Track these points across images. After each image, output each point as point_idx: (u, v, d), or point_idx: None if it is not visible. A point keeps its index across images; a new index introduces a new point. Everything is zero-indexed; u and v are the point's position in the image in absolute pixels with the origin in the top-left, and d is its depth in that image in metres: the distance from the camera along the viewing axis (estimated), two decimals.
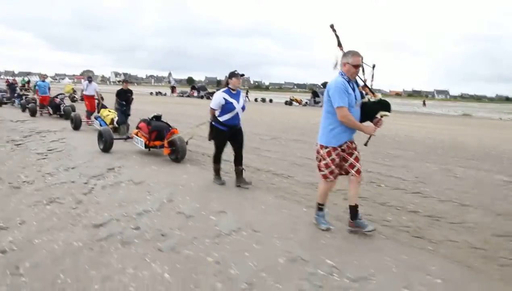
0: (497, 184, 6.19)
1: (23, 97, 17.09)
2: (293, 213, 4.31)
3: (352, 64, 3.50)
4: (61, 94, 15.03)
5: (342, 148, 3.61)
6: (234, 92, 5.24)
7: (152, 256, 3.16)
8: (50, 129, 10.42)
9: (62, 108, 13.47)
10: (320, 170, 3.72)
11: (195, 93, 45.07)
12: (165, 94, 47.95)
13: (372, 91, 3.73)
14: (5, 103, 18.36)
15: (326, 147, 3.60)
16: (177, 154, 6.77)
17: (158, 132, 7.24)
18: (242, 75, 5.32)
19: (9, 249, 3.23)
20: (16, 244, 3.32)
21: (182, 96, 46.38)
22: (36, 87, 14.68)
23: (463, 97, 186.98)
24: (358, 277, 2.88)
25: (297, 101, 37.52)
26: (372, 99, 3.68)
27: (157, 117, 7.69)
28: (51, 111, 13.81)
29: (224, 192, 5.10)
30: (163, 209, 4.32)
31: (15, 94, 18.77)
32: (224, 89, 5.27)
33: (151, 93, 45.64)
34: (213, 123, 5.28)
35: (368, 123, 3.65)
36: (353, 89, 3.56)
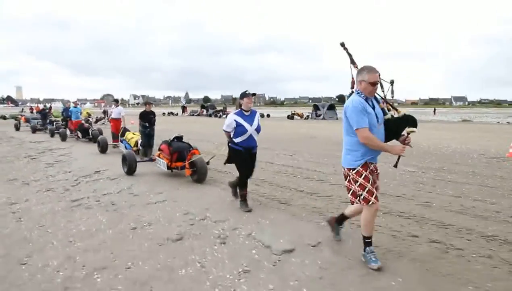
0: (401, 173, 7.87)
1: (54, 123, 18.23)
2: (208, 192, 6.26)
3: (369, 82, 3.24)
4: (102, 118, 16.27)
5: (371, 168, 3.36)
6: (247, 113, 5.11)
7: (100, 213, 5.14)
8: (60, 147, 12.74)
9: (90, 132, 14.41)
10: (356, 196, 3.35)
11: (204, 112, 47.64)
12: (176, 114, 50.73)
13: (394, 107, 3.52)
14: (39, 130, 19.25)
15: (354, 168, 3.32)
16: (198, 175, 6.89)
17: (179, 153, 7.35)
18: (254, 94, 5.21)
19: (15, 211, 5.28)
20: (21, 209, 5.37)
21: (193, 115, 49.03)
22: (69, 113, 15.66)
23: (482, 103, 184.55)
24: (218, 220, 4.78)
25: (298, 115, 39.41)
26: (396, 115, 3.44)
27: (179, 138, 7.79)
28: (80, 135, 14.81)
29: (169, 182, 7.10)
30: (121, 192, 6.33)
31: (47, 121, 19.67)
32: (237, 111, 5.17)
33: (163, 113, 48.50)
34: (229, 144, 5.22)
35: (393, 143, 3.38)
36: (373, 107, 3.31)
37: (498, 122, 35.44)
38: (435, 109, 67.62)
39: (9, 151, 12.09)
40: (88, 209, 5.34)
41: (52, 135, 16.61)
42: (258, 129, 5.19)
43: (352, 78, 3.53)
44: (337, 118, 37.16)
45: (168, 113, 51.46)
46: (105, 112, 28.91)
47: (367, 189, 3.28)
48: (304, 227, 4.47)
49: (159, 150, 7.82)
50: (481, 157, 10.50)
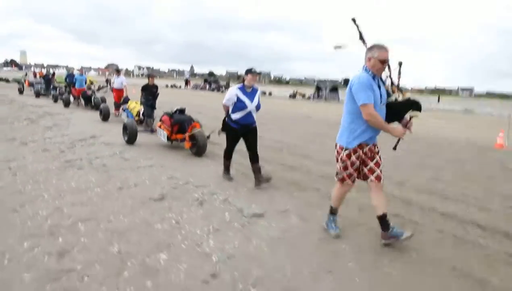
0: (386, 155, 8.22)
1: (57, 89, 18.00)
2: (195, 160, 6.60)
3: (379, 59, 3.21)
4: (105, 87, 16.25)
5: (364, 150, 3.37)
6: (249, 90, 5.10)
7: (91, 174, 5.48)
8: (60, 112, 13.04)
9: (93, 99, 14.52)
10: (337, 172, 3.52)
11: (207, 86, 47.64)
12: (179, 87, 50.76)
13: (400, 89, 3.49)
14: (43, 94, 19.33)
15: (346, 148, 3.36)
16: (198, 148, 6.90)
17: (180, 125, 7.33)
18: (259, 73, 5.21)
19: (12, 167, 5.62)
20: (17, 166, 5.71)
21: (196, 89, 49.04)
22: (74, 80, 15.71)
23: (489, 95, 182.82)
24: (200, 185, 5.12)
25: (300, 94, 39.44)
26: (400, 99, 3.42)
27: (181, 111, 7.77)
28: (83, 102, 14.95)
29: (160, 149, 7.45)
30: (113, 156, 6.66)
31: (51, 87, 19.40)
32: (239, 85, 5.14)
33: (166, 86, 48.50)
34: (226, 119, 5.26)
35: (395, 125, 3.42)
36: (379, 87, 3.28)
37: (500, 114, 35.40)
38: (439, 97, 66.92)
39: (10, 113, 12.40)
40: (80, 169, 5.67)
41: (55, 100, 16.75)
42: (258, 107, 5.21)
43: (341, 44, 3.65)
44: (338, 100, 37.25)
45: (171, 86, 51.50)
46: (107, 81, 28.90)
47: (348, 171, 3.40)
48: (277, 196, 4.81)
49: (161, 120, 7.81)
50: (469, 145, 10.76)
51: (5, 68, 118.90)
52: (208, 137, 6.99)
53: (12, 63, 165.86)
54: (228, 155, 5.39)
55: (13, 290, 2.55)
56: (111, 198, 4.45)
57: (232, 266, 2.97)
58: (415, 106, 3.34)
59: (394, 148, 3.55)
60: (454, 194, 5.40)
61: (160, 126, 7.74)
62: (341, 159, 3.42)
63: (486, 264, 3.24)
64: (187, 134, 7.04)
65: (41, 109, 13.80)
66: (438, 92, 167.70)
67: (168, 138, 7.37)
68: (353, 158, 3.36)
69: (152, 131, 8.55)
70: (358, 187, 4.00)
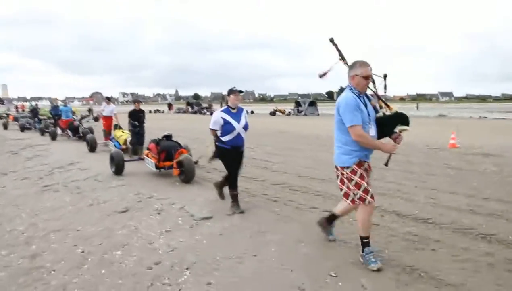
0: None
1: (42, 121, 17.79)
2: (162, 178, 7.30)
3: (362, 76, 3.22)
4: (87, 116, 16.15)
5: (365, 167, 3.32)
6: (234, 111, 4.98)
7: (66, 195, 6.13)
8: (40, 143, 13.65)
9: (80, 130, 14.27)
10: (350, 196, 3.30)
11: (190, 109, 48.51)
12: (163, 112, 51.51)
13: (386, 103, 3.46)
14: (28, 128, 19.15)
15: (348, 167, 3.27)
16: (186, 174, 6.72)
17: (167, 152, 7.25)
18: (241, 91, 5.07)
19: None
20: None
21: (179, 112, 49.83)
22: (59, 112, 15.67)
23: (468, 98, 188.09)
24: (162, 198, 5.81)
25: (280, 111, 40.55)
26: (388, 113, 3.41)
27: (168, 137, 7.71)
28: (70, 134, 14.66)
29: (131, 170, 8.13)
30: (88, 179, 7.31)
31: (36, 119, 19.26)
32: (224, 108, 5.05)
33: (150, 111, 49.17)
34: (217, 143, 5.10)
35: (385, 140, 3.37)
36: (365, 105, 3.27)
37: (470, 117, 36.98)
38: (417, 105, 69.62)
39: None
40: (56, 192, 6.34)
41: (42, 134, 16.43)
42: (245, 127, 5.06)
43: (327, 71, 3.56)
44: (318, 114, 38.45)
45: (155, 110, 52.21)
46: (90, 110, 29.31)
47: (363, 187, 3.22)
48: (228, 202, 5.52)
49: (148, 149, 7.79)
50: (425, 147, 11.69)
51: None
52: (196, 163, 6.92)
53: None
54: (233, 182, 5.04)
55: None
56: (81, 213, 5.13)
57: (173, 255, 3.68)
58: (403, 119, 3.33)
59: (386, 164, 3.45)
60: (388, 189, 6.19)
61: (147, 155, 7.71)
62: (347, 179, 3.29)
63: (385, 241, 4.00)
64: (174, 161, 6.93)
65: (23, 142, 14.37)
66: (419, 99, 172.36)
67: (156, 166, 7.28)
68: (360, 171, 3.25)
69: (140, 159, 8.38)
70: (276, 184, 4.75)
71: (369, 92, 3.46)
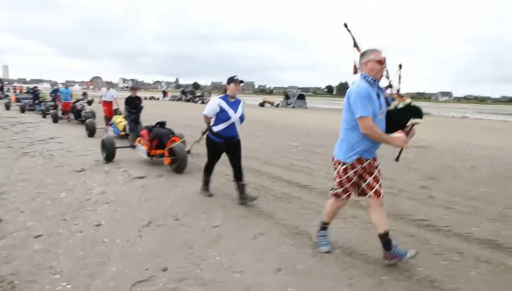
0: (284, 145, 10.48)
1: (43, 103, 18.07)
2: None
3: (375, 60, 3.11)
4: (80, 100, 15.93)
5: (363, 165, 3.24)
6: (232, 100, 4.92)
7: (39, 159, 7.60)
8: (31, 121, 15.12)
9: (83, 114, 14.36)
10: (333, 187, 3.43)
11: (184, 97, 49.86)
12: (158, 99, 52.85)
13: (400, 94, 3.29)
14: (29, 110, 19.42)
15: (344, 163, 3.24)
16: (177, 163, 6.59)
17: (159, 140, 7.18)
18: (241, 82, 4.94)
19: None
20: None
21: (174, 99, 51.19)
22: (59, 94, 15.76)
23: (467, 99, 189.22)
24: (115, 163, 7.29)
25: (269, 103, 41.90)
26: (400, 106, 3.22)
27: (161, 124, 7.64)
28: (72, 117, 14.84)
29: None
30: (61, 150, 8.79)
31: (36, 101, 19.72)
32: (222, 95, 4.96)
33: (145, 98, 50.55)
34: (207, 134, 5.04)
35: (396, 134, 3.27)
36: (378, 96, 3.14)
37: (452, 116, 38.39)
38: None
39: None
40: (32, 157, 7.80)
41: (44, 116, 16.55)
42: (242, 118, 4.99)
43: (355, 64, 3.29)
44: (306, 108, 39.81)
45: (150, 97, 53.56)
46: (84, 94, 30.60)
47: (343, 188, 3.31)
48: (168, 169, 6.99)
49: (140, 135, 7.77)
50: None
51: None
52: (189, 152, 6.87)
53: None
54: (208, 170, 5.27)
55: None
56: (47, 171, 6.60)
57: (101, 196, 5.16)
58: (416, 112, 3.17)
59: (397, 159, 3.41)
60: (307, 168, 7.65)
61: (139, 142, 7.70)
62: (337, 173, 3.31)
63: (273, 202, 5.46)
64: (166, 149, 6.82)
65: (15, 120, 15.82)
66: (418, 98, 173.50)
67: (148, 153, 7.23)
68: (350, 173, 3.23)
69: (132, 147, 8.17)
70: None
71: (382, 84, 3.31)
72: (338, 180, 3.32)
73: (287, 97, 42.03)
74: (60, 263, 3.23)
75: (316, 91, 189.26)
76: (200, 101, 42.18)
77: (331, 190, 3.48)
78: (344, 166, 3.24)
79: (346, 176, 3.25)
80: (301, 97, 41.77)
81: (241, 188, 5.03)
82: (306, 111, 33.64)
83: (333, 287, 2.97)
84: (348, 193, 3.36)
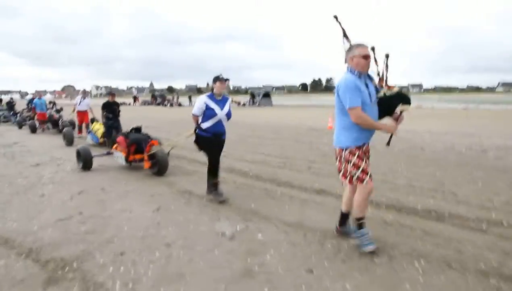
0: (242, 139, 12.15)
1: (18, 115, 18.03)
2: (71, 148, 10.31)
3: (361, 55, 3.22)
4: (58, 109, 15.74)
5: (364, 149, 3.33)
6: (219, 97, 5.04)
7: (2, 159, 9.02)
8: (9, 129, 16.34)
9: (60, 123, 14.42)
10: (348, 176, 3.35)
11: (155, 102, 51.01)
12: (129, 104, 53.71)
13: (387, 83, 3.44)
14: (5, 121, 19.34)
15: (347, 148, 3.32)
16: (159, 167, 6.70)
17: (137, 145, 7.20)
18: (227, 79, 5.07)
19: None
20: None
21: (145, 104, 52.20)
22: (33, 105, 15.73)
23: (435, 90, 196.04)
24: (63, 155, 8.82)
25: (235, 102, 43.58)
26: (388, 93, 3.36)
27: (137, 129, 7.69)
28: (50, 127, 14.87)
29: (59, 146, 11.04)
30: (21, 151, 10.20)
31: (11, 113, 19.65)
32: (208, 93, 5.10)
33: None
34: (197, 131, 5.12)
35: (386, 121, 3.41)
36: (366, 86, 3.27)
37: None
38: None
39: None
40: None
41: (20, 127, 16.64)
42: (228, 115, 5.11)
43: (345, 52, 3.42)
44: (271, 106, 41.67)
45: (121, 103, 54.32)
46: (51, 102, 31.33)
47: (361, 168, 3.27)
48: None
49: (116, 142, 7.72)
50: (308, 129, 15.00)
51: None
52: (168, 154, 6.93)
53: None
54: (214, 170, 5.15)
55: None
56: (8, 166, 8.08)
57: (49, 180, 6.71)
58: (404, 99, 3.33)
59: (388, 144, 3.57)
60: (269, 155, 9.33)
61: (116, 148, 7.71)
62: (345, 160, 3.34)
63: (182, 175, 7.12)
64: (145, 154, 6.89)
65: None
66: None
67: (126, 160, 7.28)
68: (358, 152, 3.29)
69: (109, 154, 8.12)
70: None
71: (371, 73, 3.45)
72: (351, 164, 3.32)
73: (253, 96, 43.84)
74: (12, 214, 4.81)
75: (291, 90, 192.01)
76: (169, 105, 43.52)
77: (347, 178, 3.41)
78: (348, 149, 3.32)
79: (356, 156, 3.30)
80: (266, 96, 43.65)
81: (214, 185, 5.18)
82: (269, 109, 35.46)
83: (195, 217, 4.67)
84: (368, 173, 3.31)
